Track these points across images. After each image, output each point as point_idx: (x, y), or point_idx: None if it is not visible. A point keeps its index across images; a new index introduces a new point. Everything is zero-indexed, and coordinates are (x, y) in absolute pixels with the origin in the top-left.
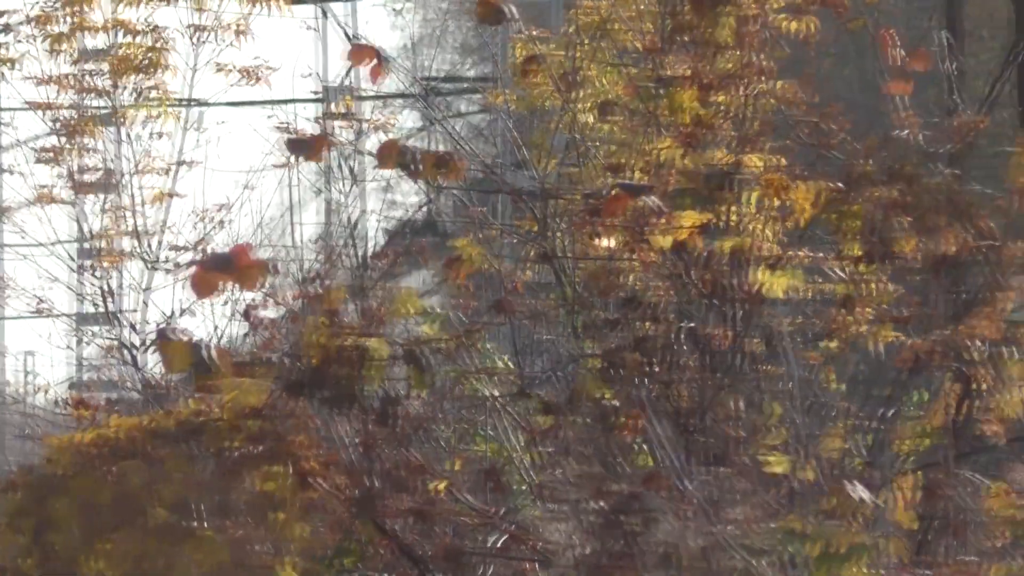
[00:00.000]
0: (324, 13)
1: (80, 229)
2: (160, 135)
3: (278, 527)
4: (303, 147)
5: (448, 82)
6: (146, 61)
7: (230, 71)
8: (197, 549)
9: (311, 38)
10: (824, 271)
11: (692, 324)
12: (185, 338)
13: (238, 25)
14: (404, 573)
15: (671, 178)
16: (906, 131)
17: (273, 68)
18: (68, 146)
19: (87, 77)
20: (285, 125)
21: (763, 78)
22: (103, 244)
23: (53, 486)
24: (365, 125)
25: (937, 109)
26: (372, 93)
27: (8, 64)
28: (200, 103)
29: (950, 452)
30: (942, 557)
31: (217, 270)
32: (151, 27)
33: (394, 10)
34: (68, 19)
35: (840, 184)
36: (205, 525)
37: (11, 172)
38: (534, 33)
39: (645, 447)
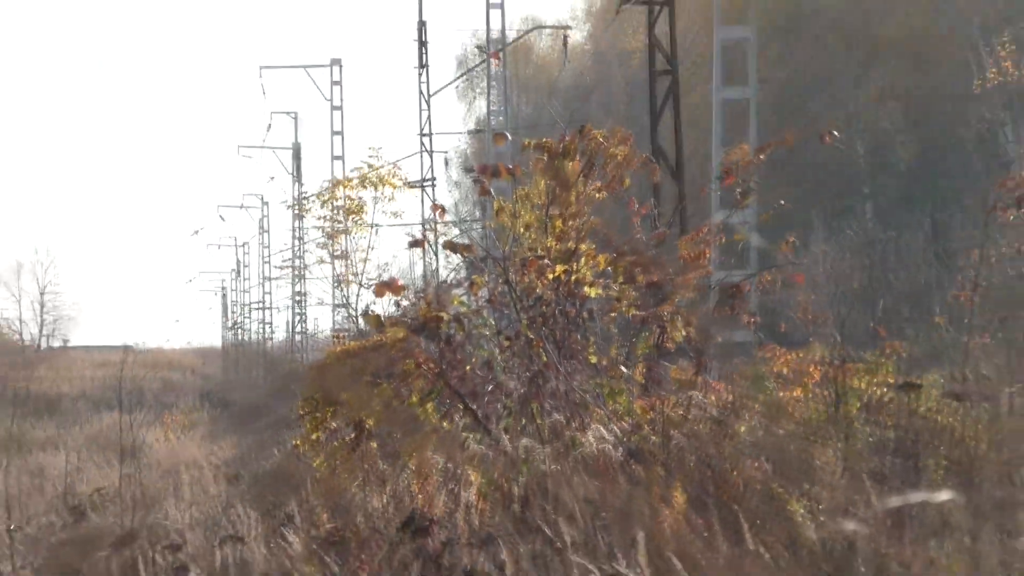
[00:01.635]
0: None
1: (334, 273)
2: (363, 238)
3: (412, 383)
4: (416, 245)
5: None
6: (356, 209)
7: (387, 213)
8: (381, 395)
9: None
10: (611, 286)
11: (560, 307)
12: (373, 313)
13: (391, 197)
14: (455, 402)
15: (552, 253)
16: (639, 235)
17: (403, 213)
18: (329, 243)
19: (336, 215)
20: (413, 237)
21: (588, 216)
22: (343, 277)
23: (326, 368)
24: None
25: (652, 221)
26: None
27: (306, 212)
28: (376, 226)
29: (654, 354)
30: (653, 393)
31: (384, 287)
32: (358, 196)
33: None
34: (328, 193)
35: (615, 255)
36: (384, 385)
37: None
38: (501, 199)
39: (543, 352)
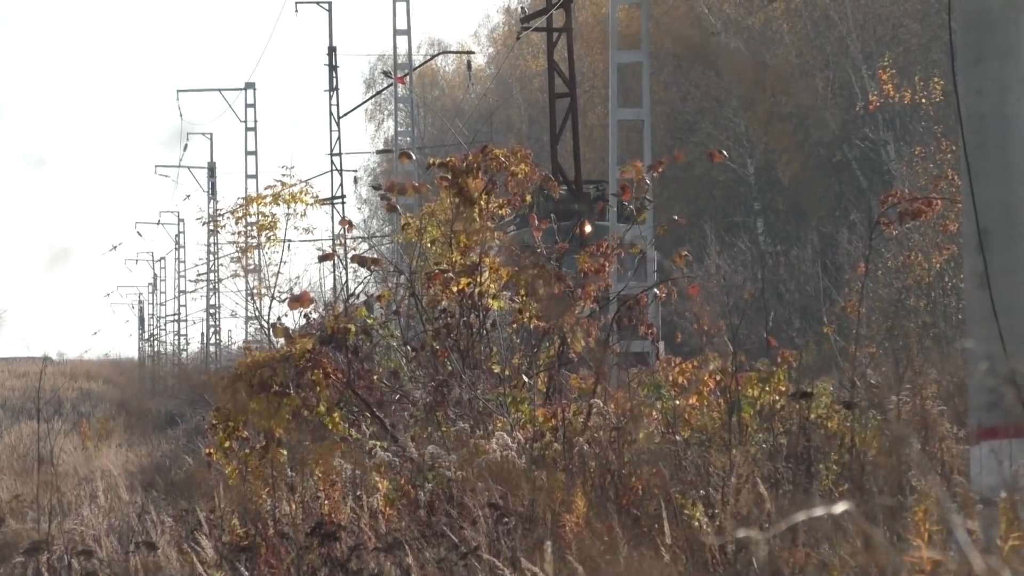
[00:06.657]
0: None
1: (247, 286)
2: (276, 253)
3: (320, 393)
4: (325, 259)
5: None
6: (269, 225)
7: (299, 229)
8: (290, 403)
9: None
10: (513, 298)
11: (464, 319)
12: (281, 325)
13: (303, 214)
14: (363, 410)
15: (456, 266)
16: (540, 249)
17: (314, 229)
18: (242, 258)
19: (250, 230)
20: (322, 252)
21: (491, 232)
22: (256, 290)
23: (237, 378)
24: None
25: (552, 236)
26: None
27: (220, 228)
28: (288, 241)
29: (556, 364)
30: (555, 401)
31: (296, 301)
32: (270, 213)
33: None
34: (241, 211)
35: (517, 268)
36: (292, 393)
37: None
38: (408, 215)
39: (448, 362)
